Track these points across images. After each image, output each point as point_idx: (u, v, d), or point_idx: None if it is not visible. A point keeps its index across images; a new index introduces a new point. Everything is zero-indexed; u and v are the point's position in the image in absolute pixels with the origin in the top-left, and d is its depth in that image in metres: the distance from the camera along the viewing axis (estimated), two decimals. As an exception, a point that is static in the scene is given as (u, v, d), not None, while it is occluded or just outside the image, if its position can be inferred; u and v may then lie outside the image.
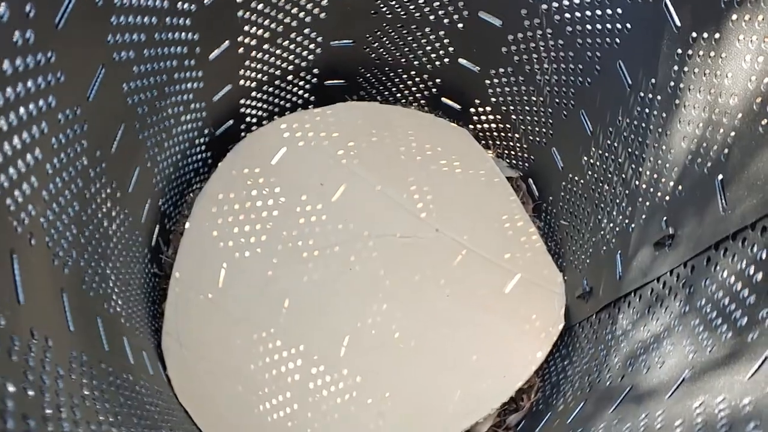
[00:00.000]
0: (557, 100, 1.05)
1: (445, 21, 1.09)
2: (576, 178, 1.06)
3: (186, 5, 0.84)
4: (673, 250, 0.79)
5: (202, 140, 1.15)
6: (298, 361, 1.10)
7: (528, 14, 1.00)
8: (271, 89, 1.19)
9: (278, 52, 1.11)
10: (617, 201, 0.94)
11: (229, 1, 0.92)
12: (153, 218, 1.07)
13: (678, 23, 0.78)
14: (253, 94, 1.17)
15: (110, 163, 0.79)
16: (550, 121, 1.09)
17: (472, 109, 1.23)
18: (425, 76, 1.22)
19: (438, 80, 1.22)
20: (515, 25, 1.03)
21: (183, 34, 0.87)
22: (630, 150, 0.90)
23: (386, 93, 1.28)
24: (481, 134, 1.26)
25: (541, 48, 1.02)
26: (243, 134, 1.24)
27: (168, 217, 1.16)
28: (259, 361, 1.10)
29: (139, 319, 1.01)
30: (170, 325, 1.11)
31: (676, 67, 0.78)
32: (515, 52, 1.06)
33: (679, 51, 0.78)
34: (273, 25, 1.04)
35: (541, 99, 1.08)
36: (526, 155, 1.20)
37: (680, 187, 0.79)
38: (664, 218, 0.82)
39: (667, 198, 0.82)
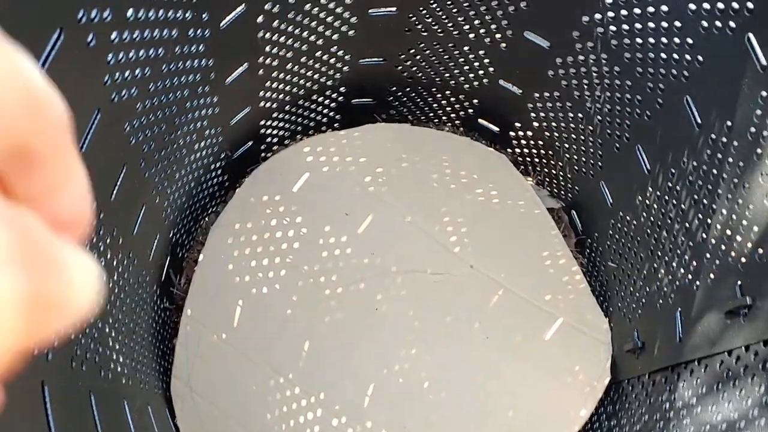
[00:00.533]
0: (609, 132, 0.94)
1: (486, 40, 0.99)
2: (628, 218, 0.95)
3: (199, 31, 0.74)
4: (750, 322, 0.69)
5: (218, 164, 1.06)
6: (318, 410, 1.01)
7: (580, 37, 0.89)
8: (294, 109, 1.10)
9: (302, 71, 1.01)
10: (678, 252, 0.84)
11: (248, 22, 0.82)
12: (163, 251, 0.99)
13: (764, 62, 0.67)
14: (275, 114, 1.08)
15: (110, 211, 0.70)
16: (600, 152, 0.98)
17: (512, 133, 1.12)
18: (461, 97, 1.12)
19: (475, 101, 1.11)
20: (565, 48, 0.92)
21: (196, 61, 0.78)
22: (696, 197, 0.79)
23: (418, 113, 1.17)
24: (520, 159, 1.16)
25: (594, 74, 0.91)
26: (263, 154, 1.15)
27: (181, 246, 1.07)
28: (275, 409, 1.01)
29: (146, 366, 0.93)
30: (180, 369, 1.02)
31: (759, 112, 0.68)
32: (563, 76, 0.96)
33: (764, 94, 0.67)
34: (297, 44, 0.94)
35: (591, 128, 0.97)
36: (569, 185, 1.10)
37: (760, 251, 0.68)
38: (738, 283, 0.71)
39: (743, 260, 0.71)
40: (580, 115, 0.98)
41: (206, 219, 1.14)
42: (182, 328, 1.05)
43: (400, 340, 1.04)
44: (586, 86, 0.94)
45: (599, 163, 1.00)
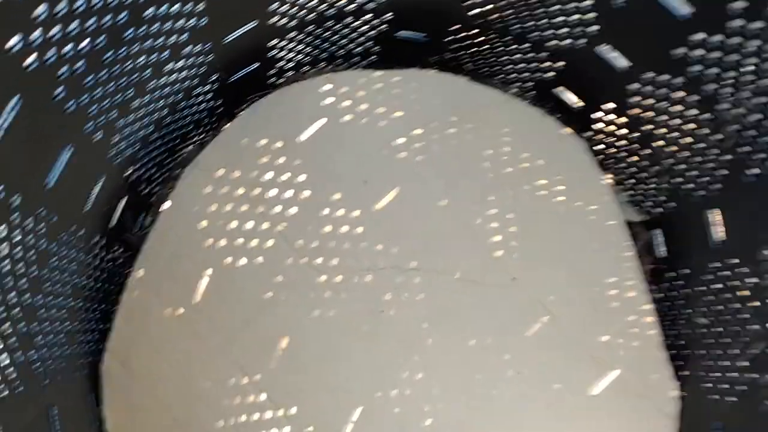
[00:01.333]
0: (751, 149, 0.67)
1: (600, -15, 0.70)
2: (746, 268, 0.69)
3: None
4: None
5: (206, 88, 0.79)
6: (285, 428, 0.78)
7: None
8: (318, 31, 0.82)
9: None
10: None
11: None
12: (112, 194, 0.73)
13: None
14: (292, 35, 0.80)
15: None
16: (725, 171, 0.71)
17: (600, 114, 0.84)
18: (543, 54, 0.83)
19: (561, 63, 0.83)
20: (712, 17, 0.63)
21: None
22: None
23: (482, 64, 0.89)
24: (602, 149, 0.88)
25: (744, 63, 0.63)
26: (273, 80, 0.87)
27: (147, 182, 0.82)
28: (231, 417, 0.78)
29: (63, 340, 0.69)
30: (118, 343, 0.79)
31: None
32: (698, 59, 0.67)
33: None
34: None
35: (721, 136, 0.69)
36: (662, 198, 0.83)
37: None
38: None
39: None
40: (709, 114, 0.70)
41: (187, 149, 0.88)
42: (128, 292, 0.81)
43: (406, 357, 0.80)
44: (730, 80, 0.66)
45: (717, 185, 0.72)
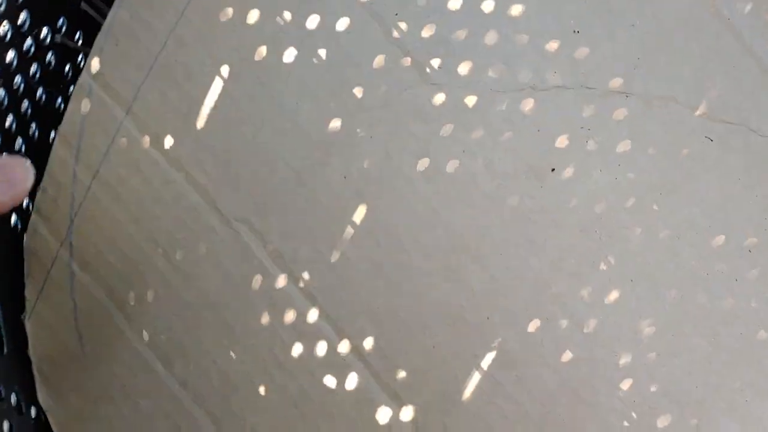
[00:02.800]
0: None
1: None
2: None
3: None
4: None
5: None
6: (325, 339, 0.43)
7: None
8: None
9: None
10: None
11: None
12: None
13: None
14: None
15: None
16: None
17: None
18: None
19: None
20: None
21: None
22: None
23: None
24: None
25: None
26: None
27: None
28: (245, 301, 0.43)
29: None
30: (53, 209, 0.44)
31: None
32: None
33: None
34: None
35: None
36: None
37: None
38: None
39: None
40: None
41: None
42: (75, 98, 0.45)
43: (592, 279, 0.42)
44: None
45: None
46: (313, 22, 0.44)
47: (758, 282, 0.42)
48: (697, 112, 0.44)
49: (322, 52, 0.44)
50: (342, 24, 0.44)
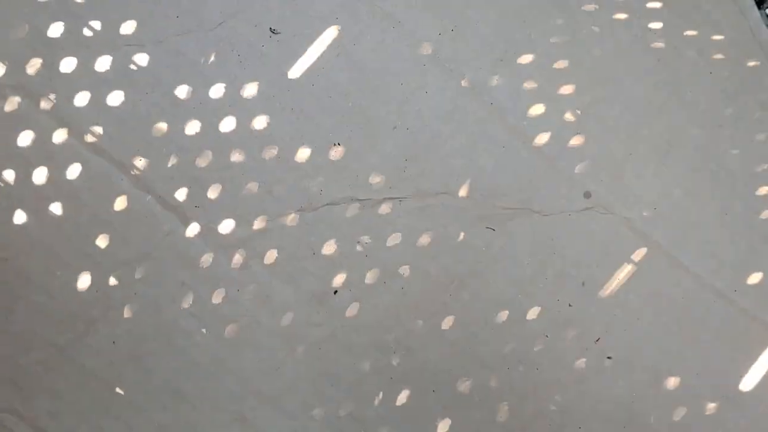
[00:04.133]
0: None
1: None
2: None
3: None
4: None
5: None
6: None
7: None
8: None
9: None
10: None
11: None
12: None
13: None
14: None
15: None
16: None
17: None
18: None
19: None
20: None
21: None
22: None
23: None
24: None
25: None
26: None
27: None
28: None
29: None
30: None
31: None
32: None
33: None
34: None
35: None
36: None
37: None
38: None
39: None
40: None
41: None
42: None
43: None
44: None
45: None
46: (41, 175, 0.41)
47: (549, 371, 0.42)
48: (473, 201, 0.44)
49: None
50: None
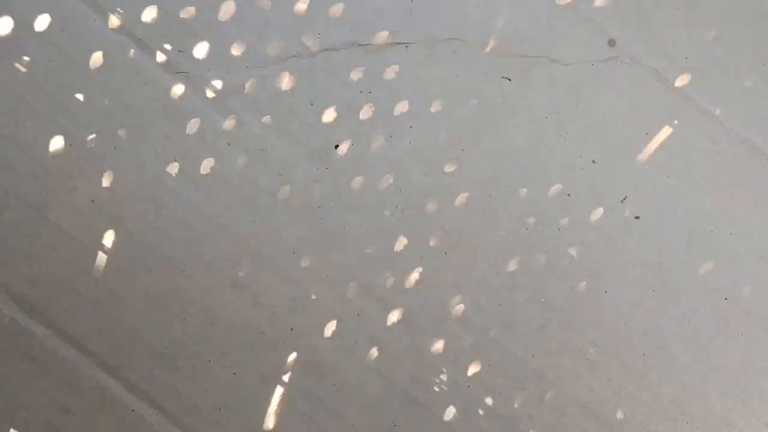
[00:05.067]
0: None
1: None
2: None
3: None
4: None
5: None
6: None
7: None
8: None
9: None
10: None
11: None
12: None
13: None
14: None
15: None
16: None
17: None
18: None
19: None
20: None
21: None
22: None
23: None
24: None
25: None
26: None
27: None
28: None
29: None
30: None
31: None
32: None
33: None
34: None
35: None
36: None
37: None
38: None
39: None
40: None
41: None
42: None
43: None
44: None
45: None
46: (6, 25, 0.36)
47: (570, 230, 0.39)
48: (488, 49, 0.40)
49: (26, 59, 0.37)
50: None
